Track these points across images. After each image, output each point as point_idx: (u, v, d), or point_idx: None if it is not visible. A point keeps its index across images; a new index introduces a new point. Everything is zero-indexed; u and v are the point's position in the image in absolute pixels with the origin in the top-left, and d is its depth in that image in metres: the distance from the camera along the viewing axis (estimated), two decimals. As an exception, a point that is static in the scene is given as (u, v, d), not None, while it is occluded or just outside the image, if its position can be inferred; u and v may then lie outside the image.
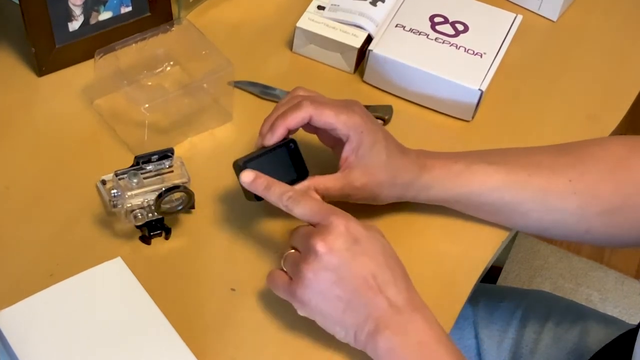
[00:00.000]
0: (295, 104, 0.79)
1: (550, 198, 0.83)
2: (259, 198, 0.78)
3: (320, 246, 0.71)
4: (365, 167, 0.80)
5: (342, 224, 0.71)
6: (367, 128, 0.79)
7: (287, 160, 0.80)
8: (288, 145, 0.80)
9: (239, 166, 0.78)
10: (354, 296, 0.71)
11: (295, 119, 0.78)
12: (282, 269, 0.75)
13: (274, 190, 0.75)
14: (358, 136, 0.79)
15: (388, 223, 0.86)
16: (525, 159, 0.84)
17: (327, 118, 0.79)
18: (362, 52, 0.99)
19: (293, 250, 0.74)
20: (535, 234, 0.88)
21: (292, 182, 0.79)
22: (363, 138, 0.79)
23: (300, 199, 0.74)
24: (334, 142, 0.83)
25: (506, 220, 0.86)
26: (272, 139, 0.79)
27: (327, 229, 0.71)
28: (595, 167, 0.83)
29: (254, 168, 0.78)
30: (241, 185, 0.79)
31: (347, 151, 0.79)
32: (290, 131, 0.80)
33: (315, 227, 0.73)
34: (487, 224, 0.87)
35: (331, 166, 0.82)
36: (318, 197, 0.77)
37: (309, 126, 0.81)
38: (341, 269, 0.71)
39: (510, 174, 0.82)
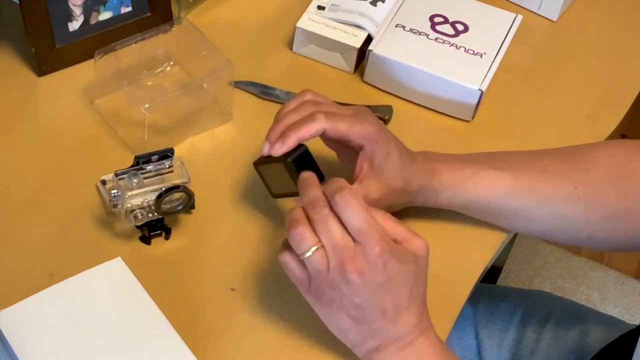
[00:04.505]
0: (309, 115, 0.77)
1: (555, 205, 0.83)
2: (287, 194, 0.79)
3: (354, 277, 0.67)
4: (381, 178, 0.78)
5: (382, 261, 0.67)
6: (381, 138, 0.78)
7: (303, 166, 0.77)
8: (300, 151, 0.77)
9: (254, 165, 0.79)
10: (367, 321, 0.70)
11: (309, 131, 0.76)
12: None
13: (333, 183, 0.70)
14: (372, 146, 0.77)
15: (388, 223, 0.87)
16: (531, 164, 0.84)
17: (342, 130, 0.77)
18: (362, 52, 0.99)
19: (320, 249, 0.68)
20: (537, 237, 0.88)
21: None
22: (377, 149, 0.77)
23: (359, 206, 0.68)
24: (338, 146, 0.82)
25: (509, 224, 0.86)
26: (282, 148, 0.76)
27: (367, 259, 0.67)
28: (599, 173, 0.83)
29: (267, 173, 0.78)
30: (264, 182, 0.80)
31: (361, 160, 0.78)
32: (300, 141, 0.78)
33: (355, 247, 0.68)
34: (487, 225, 0.87)
35: (338, 168, 0.82)
36: (372, 211, 0.70)
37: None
38: (365, 299, 0.69)
39: (517, 181, 0.82)
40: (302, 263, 0.70)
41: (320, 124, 0.76)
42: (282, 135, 0.77)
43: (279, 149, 0.76)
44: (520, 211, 0.83)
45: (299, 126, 0.76)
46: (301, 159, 0.77)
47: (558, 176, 0.83)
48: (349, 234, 0.68)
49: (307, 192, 0.70)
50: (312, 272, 0.69)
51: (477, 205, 0.83)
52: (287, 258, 0.70)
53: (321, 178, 0.77)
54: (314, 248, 0.68)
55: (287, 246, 0.70)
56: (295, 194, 0.74)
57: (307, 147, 0.77)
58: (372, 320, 0.70)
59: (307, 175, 0.72)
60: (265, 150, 0.78)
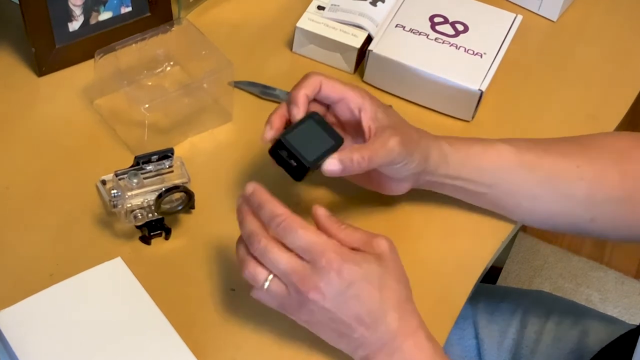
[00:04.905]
0: (303, 76, 0.79)
1: (558, 183, 0.83)
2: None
3: (312, 294, 0.69)
4: (392, 125, 0.79)
5: (333, 270, 0.68)
6: (373, 96, 0.80)
7: (318, 130, 0.78)
8: (312, 117, 0.78)
9: (279, 142, 0.76)
10: (347, 332, 0.71)
11: (309, 85, 0.78)
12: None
13: (265, 211, 0.71)
14: (369, 102, 0.79)
15: (388, 224, 0.86)
16: (535, 144, 0.85)
17: (336, 85, 0.79)
18: (362, 52, 0.99)
19: (275, 278, 0.70)
20: (540, 223, 0.87)
21: (332, 149, 0.77)
22: (374, 103, 0.79)
23: (296, 228, 0.69)
24: (348, 117, 0.81)
25: (513, 208, 0.86)
26: (299, 111, 0.77)
27: (319, 274, 0.68)
28: (602, 156, 0.84)
29: (290, 141, 0.76)
30: (287, 166, 0.76)
31: (366, 121, 0.78)
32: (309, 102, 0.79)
33: (304, 267, 0.69)
34: (488, 224, 0.87)
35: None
36: (313, 227, 0.71)
37: (320, 105, 0.81)
38: (334, 311, 0.70)
39: (521, 155, 0.83)
40: (271, 297, 0.72)
41: (315, 78, 0.78)
42: (290, 104, 0.78)
43: (297, 113, 0.77)
44: (523, 190, 0.84)
45: (299, 84, 0.78)
46: (321, 121, 0.79)
47: (561, 155, 0.84)
48: (297, 254, 0.69)
49: (242, 226, 0.72)
50: (278, 300, 0.71)
51: (483, 179, 0.83)
52: (256, 293, 0.72)
53: (341, 140, 0.78)
54: (269, 278, 0.70)
55: (258, 298, 0.73)
56: (331, 149, 0.76)
57: (318, 113, 0.79)
58: (351, 330, 0.70)
59: (238, 205, 0.72)
60: (267, 135, 0.77)
